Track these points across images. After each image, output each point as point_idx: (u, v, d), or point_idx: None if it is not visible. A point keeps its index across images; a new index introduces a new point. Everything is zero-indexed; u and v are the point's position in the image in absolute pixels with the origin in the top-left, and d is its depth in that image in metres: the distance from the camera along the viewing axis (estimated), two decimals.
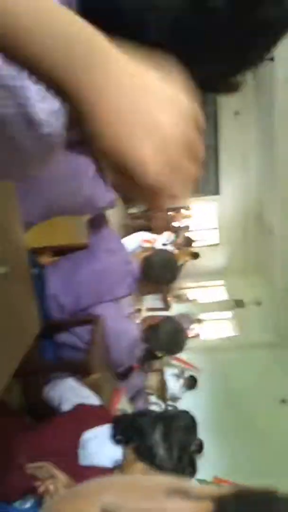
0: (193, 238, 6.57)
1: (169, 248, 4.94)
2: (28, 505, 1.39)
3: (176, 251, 5.43)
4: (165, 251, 2.25)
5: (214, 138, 7.48)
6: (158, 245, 4.84)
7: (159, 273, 2.02)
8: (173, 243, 5.05)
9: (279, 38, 0.42)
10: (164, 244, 4.91)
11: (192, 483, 0.36)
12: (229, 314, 7.95)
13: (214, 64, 0.44)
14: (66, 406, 1.49)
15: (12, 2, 0.27)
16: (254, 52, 0.44)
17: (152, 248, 2.21)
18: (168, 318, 2.13)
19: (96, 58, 0.29)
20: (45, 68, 0.29)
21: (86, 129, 0.31)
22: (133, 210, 6.62)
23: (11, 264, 1.03)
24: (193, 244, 6.85)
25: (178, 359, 5.56)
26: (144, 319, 2.23)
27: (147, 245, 4.77)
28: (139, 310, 4.96)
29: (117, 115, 0.30)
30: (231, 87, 0.48)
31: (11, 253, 1.06)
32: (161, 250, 2.27)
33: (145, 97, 0.31)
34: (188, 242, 6.03)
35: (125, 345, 1.97)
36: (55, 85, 0.30)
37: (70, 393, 1.52)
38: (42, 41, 0.28)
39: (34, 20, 0.27)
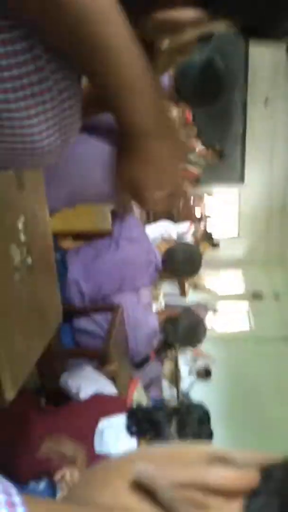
0: (212, 233, 6.48)
1: (188, 238, 4.91)
2: (42, 486, 1.42)
3: (194, 241, 5.40)
4: (188, 244, 2.23)
5: (242, 125, 7.30)
6: (176, 235, 4.83)
7: (181, 267, 2.01)
8: (192, 234, 5.01)
9: None
10: (182, 234, 4.89)
11: (235, 451, 0.33)
12: (246, 305, 7.89)
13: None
14: (83, 395, 1.51)
15: (131, 65, 0.40)
16: None
17: (175, 240, 2.19)
18: (187, 310, 2.13)
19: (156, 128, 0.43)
20: (122, 105, 0.41)
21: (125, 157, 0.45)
22: None
23: (36, 255, 1.03)
24: (213, 236, 6.78)
25: (194, 350, 5.57)
26: (163, 311, 2.24)
27: (169, 234, 4.78)
28: (156, 296, 4.99)
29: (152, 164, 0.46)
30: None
31: (37, 243, 1.06)
32: (184, 243, 2.25)
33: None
34: (207, 236, 5.97)
35: (144, 335, 1.98)
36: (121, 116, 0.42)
37: (88, 381, 1.54)
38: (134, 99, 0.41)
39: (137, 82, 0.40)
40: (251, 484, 0.29)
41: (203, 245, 6.57)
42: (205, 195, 7.94)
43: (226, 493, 0.29)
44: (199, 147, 5.54)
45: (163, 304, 4.31)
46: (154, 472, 0.30)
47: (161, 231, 4.63)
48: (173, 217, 6.88)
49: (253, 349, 6.71)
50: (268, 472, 0.29)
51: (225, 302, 7.89)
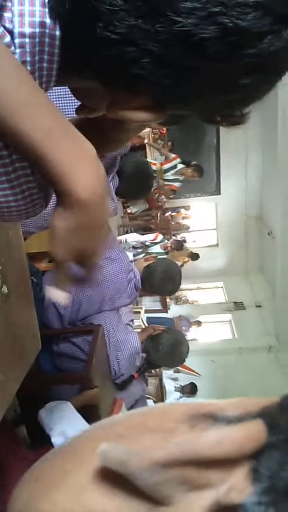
0: (183, 242, 6.55)
1: (158, 249, 4.95)
2: None
3: (170, 253, 5.44)
4: (168, 260, 2.25)
5: (215, 136, 7.47)
6: (148, 245, 4.88)
7: (161, 284, 2.02)
8: (163, 244, 5.06)
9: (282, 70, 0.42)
10: (153, 243, 4.94)
11: (222, 402, 0.25)
12: (228, 316, 7.96)
13: (209, 99, 0.44)
14: (57, 440, 1.45)
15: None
16: (254, 89, 0.43)
17: (154, 257, 2.20)
18: (169, 330, 2.13)
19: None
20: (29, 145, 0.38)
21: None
22: (131, 210, 6.60)
23: (12, 283, 1.02)
24: (186, 246, 6.86)
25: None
26: (145, 328, 2.23)
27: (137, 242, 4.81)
28: (137, 312, 4.98)
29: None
30: (235, 121, 0.47)
31: (13, 271, 1.05)
32: (164, 259, 2.26)
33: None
34: (179, 245, 6.03)
35: (126, 355, 1.97)
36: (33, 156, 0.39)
37: (65, 424, 1.48)
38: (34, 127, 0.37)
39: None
40: (257, 441, 0.22)
41: (181, 258, 6.63)
42: (182, 209, 8.07)
43: (225, 462, 0.22)
44: (179, 165, 5.62)
45: (144, 321, 4.31)
46: (125, 451, 0.23)
47: (134, 243, 4.69)
48: (148, 230, 6.94)
49: (238, 360, 6.76)
50: (273, 420, 0.22)
51: (208, 313, 7.95)
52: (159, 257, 3.41)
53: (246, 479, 0.21)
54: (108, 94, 0.46)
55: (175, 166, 5.63)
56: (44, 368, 1.97)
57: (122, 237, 4.94)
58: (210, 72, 0.40)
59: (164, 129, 6.28)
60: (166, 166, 5.61)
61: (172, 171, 5.65)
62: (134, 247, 4.82)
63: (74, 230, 0.41)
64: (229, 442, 0.22)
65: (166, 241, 5.24)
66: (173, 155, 5.70)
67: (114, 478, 0.24)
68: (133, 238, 4.95)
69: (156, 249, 4.97)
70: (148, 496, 0.23)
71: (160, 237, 5.15)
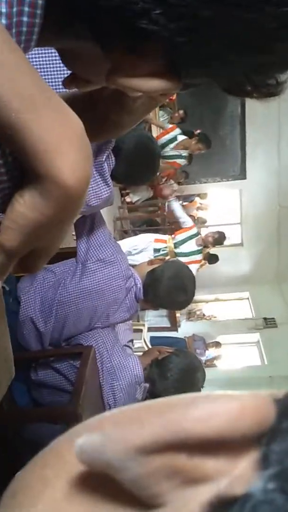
0: (219, 237, 6.41)
1: (192, 246, 4.91)
2: None
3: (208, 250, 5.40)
4: (178, 263, 2.25)
5: (239, 104, 7.47)
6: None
7: (169, 295, 2.02)
8: (198, 239, 5.02)
9: None
10: (176, 244, 4.94)
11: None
12: (256, 336, 7.97)
13: (236, 62, 0.44)
14: None
15: None
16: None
17: (161, 259, 2.21)
18: (180, 352, 2.13)
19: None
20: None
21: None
22: (131, 199, 6.63)
23: None
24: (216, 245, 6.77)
25: None
26: (148, 351, 2.23)
27: (161, 245, 4.80)
28: (138, 330, 4.99)
29: None
30: (269, 91, 0.48)
31: None
32: (173, 262, 2.27)
33: None
34: (221, 238, 5.85)
35: (124, 386, 1.97)
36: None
37: None
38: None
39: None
40: (256, 417, 0.21)
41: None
42: (196, 197, 8.08)
43: (225, 446, 0.21)
44: (179, 137, 5.62)
45: (148, 341, 4.33)
46: (101, 437, 0.23)
47: (149, 244, 4.67)
48: (152, 224, 6.92)
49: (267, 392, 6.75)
50: (284, 399, 0.22)
51: (229, 332, 7.96)
52: (167, 258, 3.40)
53: (252, 469, 0.21)
54: (108, 59, 0.46)
55: (174, 139, 5.64)
56: (19, 402, 1.98)
57: (129, 241, 4.86)
58: (237, 26, 0.40)
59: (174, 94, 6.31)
60: (162, 139, 5.61)
61: (171, 145, 5.66)
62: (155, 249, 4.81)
63: (45, 223, 0.41)
64: (218, 417, 0.21)
65: (199, 235, 5.20)
66: (169, 125, 5.71)
67: (99, 485, 0.24)
68: (151, 237, 4.89)
69: (188, 247, 4.93)
70: (138, 501, 0.23)
71: (194, 230, 5.09)
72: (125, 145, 1.93)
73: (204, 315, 8.46)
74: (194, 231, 5.08)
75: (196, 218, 7.90)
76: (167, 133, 5.64)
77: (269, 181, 8.03)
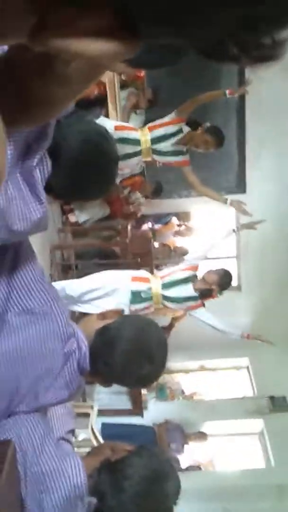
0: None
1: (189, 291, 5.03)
2: None
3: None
4: (142, 318, 2.27)
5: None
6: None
7: (127, 365, 2.03)
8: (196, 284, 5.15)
9: None
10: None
11: None
12: (259, 425, 7.99)
13: (214, 13, 0.44)
14: None
15: None
16: None
17: (117, 311, 2.21)
18: (143, 450, 2.13)
19: None
20: None
21: None
22: (76, 218, 6.65)
23: None
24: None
25: None
26: (97, 449, 2.23)
27: (142, 286, 4.89)
28: (83, 415, 4.93)
29: None
30: (263, 54, 0.48)
31: None
32: (134, 316, 2.29)
33: None
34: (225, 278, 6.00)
35: (57, 500, 1.96)
36: None
37: None
38: None
39: None
40: None
41: (169, 311, 6.66)
42: (173, 218, 8.18)
43: None
44: (185, 128, 5.75)
45: (97, 431, 4.29)
46: None
47: (130, 286, 4.74)
48: (112, 256, 6.97)
49: (276, 508, 6.77)
50: None
51: (219, 418, 7.97)
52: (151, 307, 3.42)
53: None
54: (34, 9, 0.46)
55: (180, 131, 5.74)
56: None
57: (90, 280, 4.98)
58: None
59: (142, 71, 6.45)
60: (158, 132, 5.70)
61: (173, 140, 5.76)
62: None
63: None
64: None
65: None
66: (172, 116, 5.82)
67: None
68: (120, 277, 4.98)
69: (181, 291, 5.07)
70: None
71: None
72: (67, 143, 1.95)
73: (183, 392, 8.47)
74: (190, 272, 5.22)
75: (172, 248, 7.94)
76: (171, 124, 5.72)
77: (278, 196, 8.17)
